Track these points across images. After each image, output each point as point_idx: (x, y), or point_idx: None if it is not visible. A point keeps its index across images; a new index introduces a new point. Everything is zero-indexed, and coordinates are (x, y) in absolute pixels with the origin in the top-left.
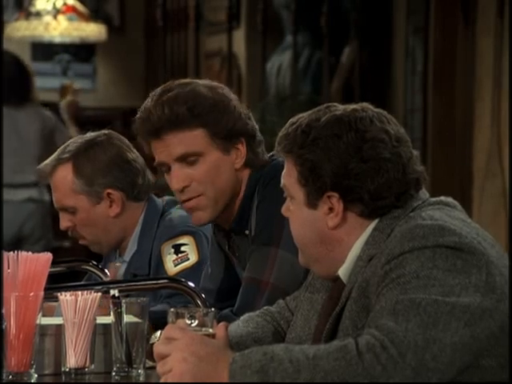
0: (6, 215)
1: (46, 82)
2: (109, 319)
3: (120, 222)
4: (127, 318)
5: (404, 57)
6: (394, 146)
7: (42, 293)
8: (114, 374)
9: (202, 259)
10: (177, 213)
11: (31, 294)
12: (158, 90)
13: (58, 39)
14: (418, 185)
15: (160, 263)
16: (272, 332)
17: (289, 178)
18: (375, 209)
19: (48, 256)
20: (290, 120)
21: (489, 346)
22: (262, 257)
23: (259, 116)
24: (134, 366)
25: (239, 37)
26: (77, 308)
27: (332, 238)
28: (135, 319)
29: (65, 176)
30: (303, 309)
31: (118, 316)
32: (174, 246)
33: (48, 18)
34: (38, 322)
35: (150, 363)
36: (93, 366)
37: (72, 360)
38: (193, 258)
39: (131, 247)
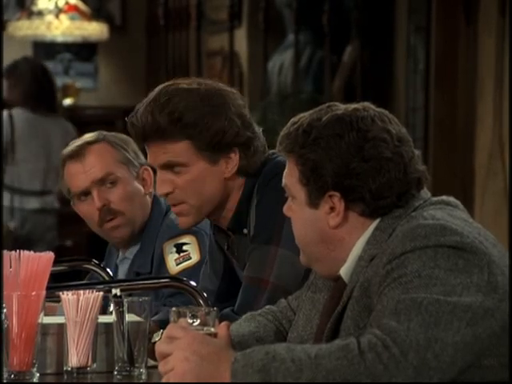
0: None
1: None
2: (111, 318)
3: (146, 203)
4: (129, 317)
5: (406, 56)
6: (396, 146)
7: (43, 292)
8: (115, 373)
9: (203, 259)
10: None
11: (33, 293)
12: (153, 93)
13: (59, 38)
14: (420, 184)
15: (162, 262)
16: (274, 331)
17: (290, 177)
18: (376, 208)
19: (50, 255)
20: (292, 120)
21: (491, 345)
22: (262, 255)
23: (261, 115)
24: (136, 365)
25: (241, 35)
26: (79, 307)
27: (333, 237)
28: (137, 318)
29: (106, 147)
30: (305, 308)
31: (120, 315)
32: (176, 245)
33: (50, 17)
34: (39, 321)
35: (151, 362)
36: (95, 365)
37: (74, 359)
38: (195, 257)
39: (134, 245)
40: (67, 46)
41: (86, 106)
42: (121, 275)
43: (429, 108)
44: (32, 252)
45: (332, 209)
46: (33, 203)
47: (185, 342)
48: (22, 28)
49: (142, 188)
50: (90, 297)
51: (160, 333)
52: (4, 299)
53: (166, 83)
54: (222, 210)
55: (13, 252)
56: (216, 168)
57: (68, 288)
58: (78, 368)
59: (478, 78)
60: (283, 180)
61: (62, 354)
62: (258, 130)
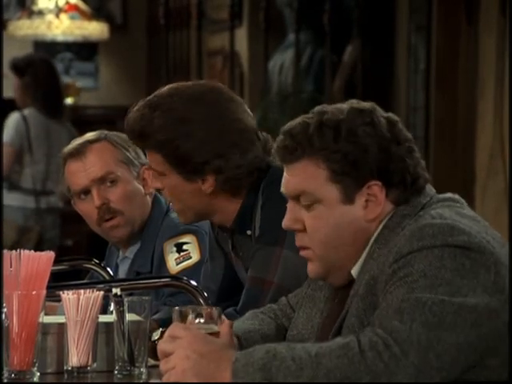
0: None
1: None
2: (111, 318)
3: (146, 203)
4: (129, 317)
5: (406, 55)
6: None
7: (44, 291)
8: (116, 372)
9: (204, 258)
10: None
11: (34, 292)
12: (148, 98)
13: (60, 38)
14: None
15: (162, 261)
16: (276, 329)
17: (313, 180)
18: (412, 192)
19: (50, 254)
20: (282, 130)
21: (496, 346)
22: (267, 256)
23: (261, 114)
24: (136, 364)
25: (241, 35)
26: (79, 306)
27: (366, 232)
28: (137, 318)
29: (107, 146)
30: (305, 306)
31: (121, 314)
32: (176, 245)
33: (50, 17)
34: (40, 320)
35: (152, 361)
36: (95, 365)
37: (74, 358)
38: (195, 256)
39: (134, 244)
40: (68, 46)
41: (86, 106)
42: (121, 274)
43: (429, 107)
44: (32, 251)
45: (367, 201)
46: (44, 202)
47: (186, 341)
48: (23, 27)
49: (142, 188)
50: (91, 296)
51: (159, 331)
52: (4, 298)
53: (168, 86)
54: (222, 213)
55: (13, 251)
56: (192, 185)
57: (68, 287)
58: (79, 367)
59: (479, 77)
60: (298, 187)
61: (63, 353)
62: (261, 135)
